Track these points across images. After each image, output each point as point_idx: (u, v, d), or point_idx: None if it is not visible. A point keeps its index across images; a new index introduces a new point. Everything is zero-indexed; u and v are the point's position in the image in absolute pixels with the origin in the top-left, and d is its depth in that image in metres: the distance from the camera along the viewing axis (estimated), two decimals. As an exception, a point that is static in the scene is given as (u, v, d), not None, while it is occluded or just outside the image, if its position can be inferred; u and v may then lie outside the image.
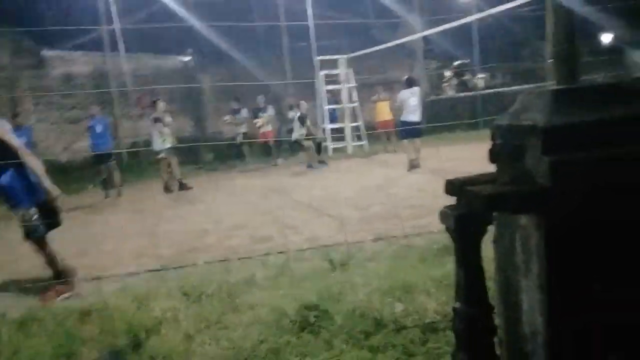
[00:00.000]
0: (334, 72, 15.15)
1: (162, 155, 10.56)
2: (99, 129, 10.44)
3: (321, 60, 15.32)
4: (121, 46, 15.39)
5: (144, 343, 3.26)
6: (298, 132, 12.46)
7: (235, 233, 6.43)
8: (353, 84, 15.37)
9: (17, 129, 8.90)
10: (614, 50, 23.63)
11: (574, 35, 2.00)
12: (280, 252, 5.10)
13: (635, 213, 1.60)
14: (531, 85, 16.30)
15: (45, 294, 4.55)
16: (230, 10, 16.82)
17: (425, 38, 17.59)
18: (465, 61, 24.65)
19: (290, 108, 14.95)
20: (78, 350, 3.25)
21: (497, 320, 1.88)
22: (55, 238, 4.78)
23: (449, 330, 2.76)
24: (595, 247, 1.61)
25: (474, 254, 1.80)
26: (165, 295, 3.96)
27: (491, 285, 1.90)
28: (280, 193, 9.15)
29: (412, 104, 10.47)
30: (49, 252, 4.62)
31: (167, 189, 10.60)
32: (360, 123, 15.37)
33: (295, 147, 13.41)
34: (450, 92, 25.62)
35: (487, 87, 23.50)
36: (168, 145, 10.57)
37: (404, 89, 10.76)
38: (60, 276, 4.66)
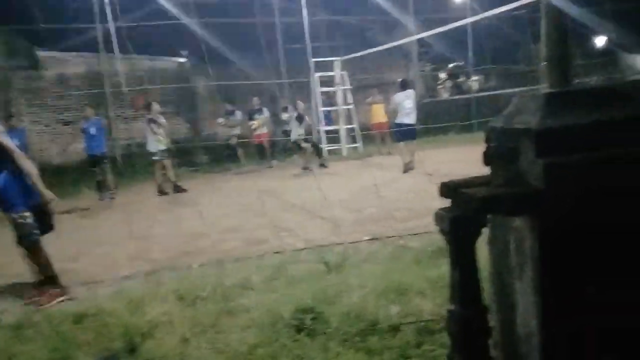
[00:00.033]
0: (329, 74, 15.16)
1: (156, 157, 10.53)
2: (93, 131, 10.39)
3: (316, 62, 15.33)
4: (116, 47, 15.35)
5: (139, 347, 3.25)
6: (297, 132, 12.42)
7: (230, 236, 6.42)
8: (348, 86, 15.39)
9: (11, 130, 8.87)
10: (607, 53, 23.78)
11: (567, 38, 2.01)
12: (277, 252, 5.10)
13: (629, 215, 1.61)
14: (525, 88, 16.39)
15: (40, 297, 4.53)
16: (225, 12, 16.85)
17: (420, 40, 17.64)
18: (460, 63, 24.75)
19: (284, 110, 14.96)
20: (73, 355, 3.23)
21: (492, 322, 1.88)
22: (49, 242, 4.76)
23: (445, 332, 2.77)
24: (589, 249, 1.62)
25: (468, 256, 1.80)
26: (160, 299, 3.95)
27: (486, 287, 1.91)
28: (275, 195, 9.15)
29: (406, 106, 10.49)
30: (43, 256, 4.59)
31: (162, 192, 10.58)
32: (355, 125, 15.38)
33: (294, 148, 13.37)
34: (444, 95, 25.71)
35: (481, 90, 23.58)
36: (162, 147, 10.54)
37: (399, 91, 10.79)
38: (55, 280, 4.64)
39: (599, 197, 1.59)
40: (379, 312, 3.29)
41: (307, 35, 16.06)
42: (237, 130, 14.01)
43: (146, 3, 15.43)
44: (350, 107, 15.37)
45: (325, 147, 14.84)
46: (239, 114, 14.01)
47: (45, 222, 4.59)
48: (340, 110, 15.24)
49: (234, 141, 13.93)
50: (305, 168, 11.94)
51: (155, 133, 10.47)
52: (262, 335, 3.21)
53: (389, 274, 3.99)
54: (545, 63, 2.08)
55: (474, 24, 16.45)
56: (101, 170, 10.51)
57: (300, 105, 12.74)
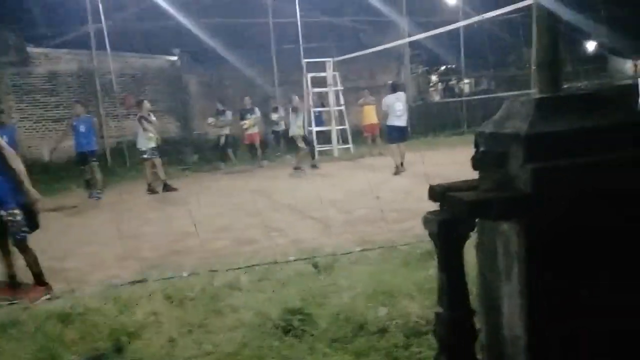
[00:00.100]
0: (321, 74, 15.17)
1: (146, 155, 10.48)
2: (82, 128, 10.31)
3: (308, 63, 15.33)
4: (108, 44, 15.26)
5: (126, 347, 3.23)
6: (295, 125, 12.35)
7: (220, 235, 6.40)
8: (340, 87, 15.40)
9: (0, 127, 8.80)
10: (597, 57, 23.97)
11: (558, 43, 2.03)
12: (266, 253, 5.09)
13: (617, 219, 1.62)
14: (516, 92, 16.48)
15: (27, 295, 4.50)
16: (218, 11, 16.80)
17: (412, 43, 17.69)
18: (452, 66, 24.87)
19: (275, 110, 14.92)
20: (59, 354, 3.20)
21: (479, 325, 1.89)
22: (37, 240, 4.72)
23: (432, 334, 2.78)
24: (576, 253, 1.63)
25: (456, 259, 1.81)
26: (148, 298, 3.93)
27: (473, 290, 1.92)
28: (265, 195, 9.13)
29: (397, 109, 10.51)
30: (30, 254, 4.57)
31: (152, 190, 10.53)
32: (346, 126, 15.40)
33: (290, 144, 13.23)
34: (436, 97, 25.82)
35: (472, 93, 23.71)
36: (153, 145, 10.49)
37: (389, 94, 10.81)
38: (40, 278, 4.61)
39: (587, 201, 1.60)
40: (368, 314, 3.30)
41: (300, 35, 16.07)
42: (226, 130, 13.96)
43: (139, 1, 15.36)
44: (342, 108, 15.39)
45: (316, 147, 14.85)
46: (229, 114, 13.97)
47: (31, 221, 4.56)
48: (332, 111, 15.25)
49: (222, 141, 13.88)
50: (296, 168, 11.93)
51: (145, 131, 10.42)
52: (250, 336, 3.21)
53: (378, 275, 3.99)
54: (536, 68, 2.10)
55: (466, 27, 16.52)
56: (90, 169, 10.44)
57: (295, 99, 12.70)
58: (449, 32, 14.10)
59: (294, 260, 4.60)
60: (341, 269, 4.35)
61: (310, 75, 15.12)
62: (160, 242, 6.37)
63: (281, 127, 15.03)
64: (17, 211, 4.46)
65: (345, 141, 15.43)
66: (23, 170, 4.45)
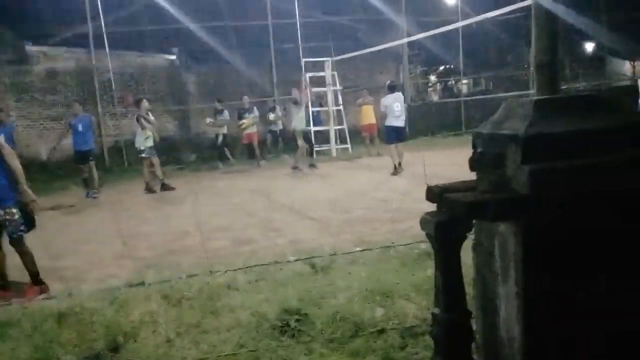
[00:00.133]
0: (320, 74, 15.16)
1: (144, 154, 10.47)
2: (80, 127, 10.31)
3: (307, 62, 15.32)
4: (106, 43, 15.24)
5: (123, 347, 3.22)
6: (298, 117, 12.30)
7: (218, 235, 6.39)
8: (338, 86, 15.40)
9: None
10: (595, 58, 23.99)
11: (557, 44, 2.03)
12: (264, 253, 5.09)
13: (613, 221, 1.62)
14: (515, 93, 16.51)
15: (24, 295, 4.50)
16: (218, 10, 16.79)
17: (411, 43, 17.69)
18: (450, 66, 24.86)
19: (272, 110, 14.87)
20: (55, 354, 3.19)
21: (475, 326, 1.89)
22: (35, 239, 4.71)
23: (428, 335, 2.78)
24: (573, 254, 1.63)
25: (453, 260, 1.81)
26: (145, 298, 3.92)
27: (469, 291, 1.91)
28: (263, 195, 9.13)
29: (395, 109, 10.50)
30: (27, 254, 4.56)
31: (150, 189, 10.51)
32: (344, 126, 15.40)
33: (288, 144, 13.12)
34: (434, 97, 25.82)
35: (471, 93, 23.71)
36: (151, 144, 10.48)
37: (387, 94, 10.80)
38: (37, 277, 4.61)
39: (584, 203, 1.60)
40: (364, 315, 3.29)
41: (299, 35, 16.05)
42: (224, 130, 13.94)
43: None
44: (340, 107, 15.39)
45: (314, 147, 14.85)
46: (226, 113, 13.95)
47: (28, 219, 4.55)
48: (331, 110, 15.24)
49: (220, 140, 13.86)
50: (294, 168, 11.91)
51: (144, 130, 10.41)
52: (247, 336, 3.20)
53: (375, 276, 3.99)
54: (534, 69, 2.09)
55: (465, 27, 16.52)
56: (87, 167, 10.42)
57: (295, 91, 12.68)
58: (448, 32, 14.10)
59: (295, 261, 4.59)
60: (339, 269, 4.34)
61: (309, 74, 15.12)
62: (158, 241, 6.36)
63: (278, 126, 15.01)
64: (14, 210, 4.45)
65: (343, 141, 15.43)
66: (20, 170, 4.44)
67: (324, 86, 15.21)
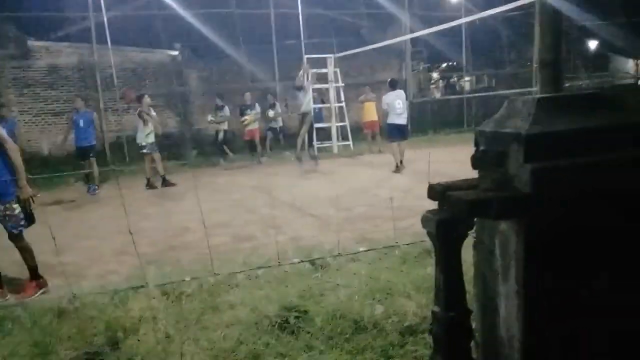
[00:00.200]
0: (322, 71, 15.13)
1: (146, 150, 10.47)
2: (81, 123, 10.31)
3: (309, 59, 15.29)
4: (109, 38, 15.22)
5: (122, 342, 3.22)
6: (306, 100, 12.27)
7: (218, 231, 6.38)
8: (340, 83, 15.38)
9: (2, 120, 8.80)
10: (599, 56, 23.93)
11: (561, 42, 2.01)
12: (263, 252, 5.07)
13: (616, 219, 1.61)
14: (517, 90, 16.46)
15: (23, 290, 4.51)
16: (220, 5, 16.77)
17: (413, 39, 17.65)
18: (453, 63, 24.83)
19: (272, 107, 14.83)
20: (55, 349, 3.20)
21: (474, 324, 1.88)
22: (35, 234, 4.71)
23: (428, 333, 2.77)
24: (576, 253, 1.62)
25: (454, 259, 1.80)
26: (144, 294, 3.91)
27: (470, 289, 1.90)
28: (264, 192, 9.12)
29: (397, 106, 10.47)
30: (26, 249, 4.56)
31: (151, 185, 10.52)
32: (346, 123, 15.38)
33: (288, 141, 13.00)
34: (437, 94, 25.80)
35: (473, 90, 23.68)
36: (152, 139, 10.48)
37: (388, 91, 10.76)
38: (36, 272, 4.61)
39: (587, 202, 1.58)
40: (364, 312, 3.29)
41: (301, 31, 16.02)
42: (225, 126, 13.93)
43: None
44: (342, 104, 15.37)
45: (316, 144, 14.84)
46: (227, 110, 13.95)
47: (27, 214, 4.55)
48: (333, 107, 15.22)
49: (220, 136, 13.85)
50: (297, 158, 11.86)
51: (146, 125, 10.41)
52: (246, 333, 3.20)
53: (374, 274, 3.98)
54: (537, 66, 2.08)
55: (468, 24, 16.49)
56: (88, 163, 10.43)
57: (299, 78, 12.67)
58: (451, 29, 14.05)
59: (298, 263, 4.57)
60: (339, 267, 4.34)
61: (311, 71, 15.09)
62: (159, 237, 6.36)
63: (278, 123, 14.98)
64: (15, 205, 4.45)
65: (345, 138, 15.42)
66: (22, 166, 4.44)
67: (326, 83, 15.18)
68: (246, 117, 13.72)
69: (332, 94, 15.21)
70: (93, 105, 14.64)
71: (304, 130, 11.96)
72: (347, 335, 3.06)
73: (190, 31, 16.02)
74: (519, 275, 1.64)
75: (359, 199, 7.69)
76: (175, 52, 17.58)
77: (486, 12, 12.13)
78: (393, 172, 10.28)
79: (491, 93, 19.85)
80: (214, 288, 3.99)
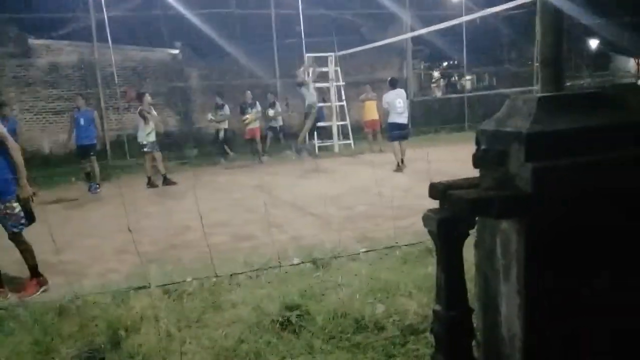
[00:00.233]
0: (323, 69, 15.12)
1: (147, 149, 10.47)
2: (82, 121, 10.31)
3: (310, 58, 15.27)
4: (109, 37, 15.22)
5: (123, 341, 3.22)
6: (309, 94, 12.27)
7: (219, 230, 6.38)
8: (341, 82, 15.37)
9: (3, 119, 8.80)
10: (600, 55, 23.90)
11: (562, 41, 2.01)
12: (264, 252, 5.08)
13: (618, 218, 1.61)
14: (518, 89, 16.45)
15: (25, 288, 4.51)
16: (221, 4, 16.75)
17: (414, 38, 17.63)
18: (454, 62, 24.82)
19: (272, 106, 14.79)
20: (56, 348, 3.20)
21: (476, 323, 1.88)
22: (36, 232, 4.71)
23: (429, 332, 2.77)
24: (576, 252, 1.62)
25: (455, 257, 1.80)
26: (145, 292, 3.92)
27: (471, 288, 1.90)
28: (265, 191, 9.12)
29: (398, 105, 10.45)
30: (26, 247, 4.57)
31: (152, 184, 10.52)
32: (347, 122, 15.37)
33: (289, 139, 13.05)
34: (438, 93, 25.79)
35: (474, 89, 23.67)
36: (153, 138, 10.48)
37: (389, 90, 10.74)
38: (36, 270, 4.61)
39: (588, 201, 1.59)
40: (365, 311, 3.29)
41: (302, 30, 16.01)
42: (225, 125, 13.93)
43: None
44: (343, 103, 15.36)
45: (317, 143, 14.83)
46: (227, 109, 13.93)
47: (27, 213, 4.55)
48: (333, 106, 15.21)
49: (221, 135, 13.84)
50: (298, 150, 11.86)
51: (146, 124, 10.41)
52: (248, 332, 3.20)
53: (375, 272, 3.98)
54: (539, 65, 2.08)
55: (469, 23, 16.46)
56: (89, 161, 10.44)
57: (300, 74, 12.67)
58: (452, 28, 14.05)
59: (298, 264, 4.57)
60: (340, 266, 4.34)
61: (311, 69, 15.07)
62: (160, 236, 6.36)
63: (278, 122, 14.97)
64: (15, 204, 4.46)
65: (346, 137, 15.40)
66: (23, 165, 4.45)
67: (327, 81, 15.17)
68: (247, 116, 13.71)
69: (333, 93, 15.20)
70: (94, 103, 14.66)
71: (309, 124, 11.99)
72: (349, 335, 3.07)
73: (190, 30, 16.01)
74: (520, 274, 1.64)
75: (359, 198, 7.69)
76: (176, 51, 17.57)
77: (487, 10, 12.12)
78: (394, 171, 10.27)
79: (492, 92, 19.84)
80: (215, 287, 3.99)
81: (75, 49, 15.78)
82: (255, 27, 17.79)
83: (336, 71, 15.25)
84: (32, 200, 4.58)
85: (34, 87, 15.26)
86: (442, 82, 28.35)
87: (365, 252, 4.69)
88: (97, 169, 10.46)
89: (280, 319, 3.25)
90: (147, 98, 10.70)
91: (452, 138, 14.96)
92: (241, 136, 14.39)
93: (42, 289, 4.55)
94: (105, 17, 15.00)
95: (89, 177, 10.54)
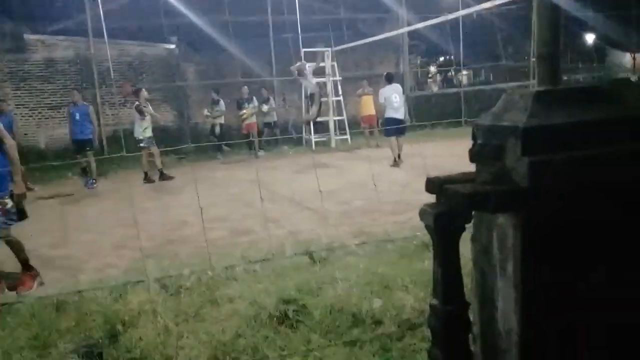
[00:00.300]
0: (320, 64, 15.08)
1: (143, 144, 10.45)
2: (77, 116, 10.29)
3: (307, 52, 15.24)
4: (105, 32, 15.13)
5: (121, 335, 3.23)
6: (309, 82, 12.28)
7: (216, 225, 6.39)
8: (337, 77, 15.34)
9: (0, 115, 8.77)
10: (596, 50, 23.92)
11: (559, 35, 2.01)
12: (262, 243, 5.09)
13: (614, 213, 1.62)
14: (515, 83, 16.46)
15: (22, 283, 4.51)
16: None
17: (411, 33, 17.60)
18: (450, 57, 24.80)
19: (266, 102, 14.77)
20: (54, 342, 3.21)
21: (472, 317, 1.89)
22: (33, 228, 4.71)
23: (426, 326, 2.78)
24: (573, 247, 1.63)
25: (452, 252, 1.80)
26: (143, 287, 3.92)
27: (468, 282, 1.91)
28: (262, 186, 9.10)
29: (394, 100, 10.44)
30: (15, 242, 4.56)
31: (148, 179, 10.51)
32: (344, 117, 15.36)
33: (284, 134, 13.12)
34: (434, 88, 25.79)
35: (471, 84, 23.67)
36: (149, 134, 10.46)
37: (385, 85, 10.73)
38: (28, 263, 4.61)
39: (584, 195, 1.59)
40: (362, 305, 3.30)
41: (298, 24, 15.96)
42: (221, 120, 13.89)
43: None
44: (340, 98, 15.34)
45: (313, 138, 14.82)
46: (222, 104, 13.90)
47: (19, 210, 4.55)
48: (330, 101, 15.19)
49: (217, 130, 13.82)
50: (305, 121, 11.85)
51: (143, 120, 10.39)
52: (245, 326, 3.21)
53: (372, 267, 4.00)
54: (535, 60, 2.08)
55: (465, 18, 16.42)
56: (84, 157, 10.41)
57: (294, 70, 12.67)
58: (448, 22, 14.03)
59: (294, 255, 4.58)
60: (337, 261, 4.35)
61: (308, 64, 15.04)
62: (157, 231, 6.35)
63: (273, 118, 14.94)
64: (7, 200, 4.45)
65: (342, 132, 15.39)
66: (19, 162, 4.44)
67: (324, 76, 15.15)
68: (244, 111, 13.69)
69: (329, 88, 15.18)
70: (90, 98, 14.60)
71: (314, 109, 12.04)
72: (346, 329, 3.08)
73: (186, 25, 15.94)
74: (516, 268, 1.65)
75: (356, 193, 7.70)
76: (172, 46, 17.50)
77: (483, 4, 12.10)
78: (391, 166, 10.28)
79: (489, 87, 19.84)
80: (212, 281, 4.00)
81: (71, 44, 15.69)
82: (252, 22, 17.69)
83: (333, 66, 15.22)
84: (25, 197, 4.57)
85: (29, 82, 15.18)
86: (438, 77, 28.34)
87: (360, 244, 4.71)
88: (93, 164, 10.43)
89: (278, 314, 3.26)
90: (144, 93, 10.67)
91: (449, 133, 14.95)
92: (238, 131, 14.37)
93: (37, 281, 4.55)
94: (101, 12, 14.91)
95: (85, 172, 10.52)
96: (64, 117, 13.26)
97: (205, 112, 13.91)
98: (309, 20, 16.66)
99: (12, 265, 4.80)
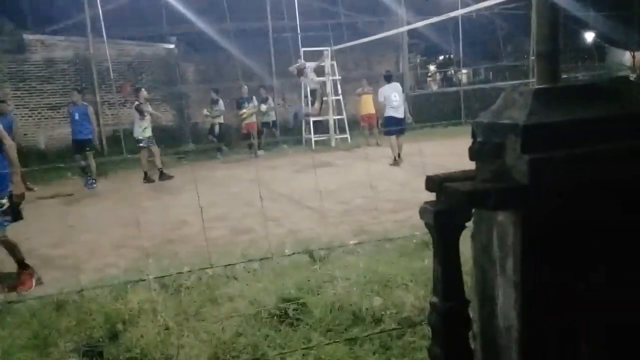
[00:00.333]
0: (320, 64, 15.07)
1: (143, 144, 10.46)
2: (76, 116, 10.29)
3: (306, 52, 15.24)
4: (104, 31, 15.13)
5: (121, 335, 3.23)
6: (310, 80, 12.29)
7: (216, 224, 6.39)
8: (337, 76, 15.33)
9: (0, 116, 8.77)
10: (596, 48, 23.92)
11: (558, 34, 2.01)
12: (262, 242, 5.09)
13: (615, 210, 1.62)
14: (514, 82, 16.45)
15: (22, 283, 4.51)
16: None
17: (410, 32, 17.59)
18: (450, 56, 24.80)
19: (264, 101, 14.76)
20: (54, 341, 3.21)
21: (472, 315, 1.89)
22: (33, 228, 4.71)
23: (426, 324, 2.78)
24: (573, 245, 1.63)
25: (452, 250, 1.81)
26: (143, 286, 3.92)
27: (468, 280, 1.92)
28: (261, 185, 9.11)
29: (394, 99, 10.44)
30: (9, 243, 4.56)
31: (148, 179, 10.51)
32: (343, 116, 15.35)
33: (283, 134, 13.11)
34: (434, 87, 25.79)
35: (470, 83, 23.67)
36: (149, 134, 10.46)
37: (384, 84, 10.73)
38: (24, 262, 4.61)
39: (584, 193, 1.59)
40: (362, 304, 3.30)
41: (297, 23, 15.95)
42: (221, 119, 13.89)
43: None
44: (340, 97, 15.34)
45: (313, 137, 14.82)
46: (221, 104, 13.89)
47: (15, 210, 4.55)
48: (330, 100, 15.18)
49: (217, 130, 13.81)
50: (308, 115, 11.86)
51: (143, 119, 10.39)
52: (245, 325, 3.21)
53: (373, 266, 4.00)
54: (535, 58, 2.08)
55: (465, 17, 16.44)
56: (84, 156, 10.41)
57: (293, 70, 12.69)
58: (448, 21, 14.02)
59: (292, 254, 4.58)
60: (337, 259, 4.35)
61: (308, 64, 15.03)
62: (157, 230, 6.36)
63: (271, 117, 14.94)
64: (4, 200, 4.45)
65: (342, 131, 15.39)
66: (18, 162, 4.44)
67: (323, 75, 15.14)
68: (244, 111, 13.69)
69: (329, 87, 15.17)
70: (90, 98, 14.59)
71: (317, 104, 12.07)
72: (346, 327, 3.08)
73: (186, 24, 15.92)
74: (516, 267, 1.65)
75: (356, 192, 7.70)
76: (171, 46, 17.50)
77: (483, 3, 12.09)
78: (391, 165, 10.28)
79: (488, 85, 19.84)
80: (212, 280, 4.00)
81: (70, 44, 15.68)
82: (251, 21, 17.68)
83: (332, 65, 15.21)
84: (24, 198, 4.57)
85: (29, 82, 15.17)
86: (438, 76, 28.34)
87: (360, 243, 4.71)
88: (93, 164, 10.43)
89: (278, 312, 3.26)
90: (144, 93, 10.67)
91: (448, 132, 14.95)
92: (238, 131, 14.36)
93: (35, 279, 4.55)
94: (100, 12, 14.91)
95: (84, 172, 10.51)
96: (63, 117, 13.26)
97: (205, 112, 13.90)
98: (309, 19, 16.66)
99: (12, 265, 4.80)
